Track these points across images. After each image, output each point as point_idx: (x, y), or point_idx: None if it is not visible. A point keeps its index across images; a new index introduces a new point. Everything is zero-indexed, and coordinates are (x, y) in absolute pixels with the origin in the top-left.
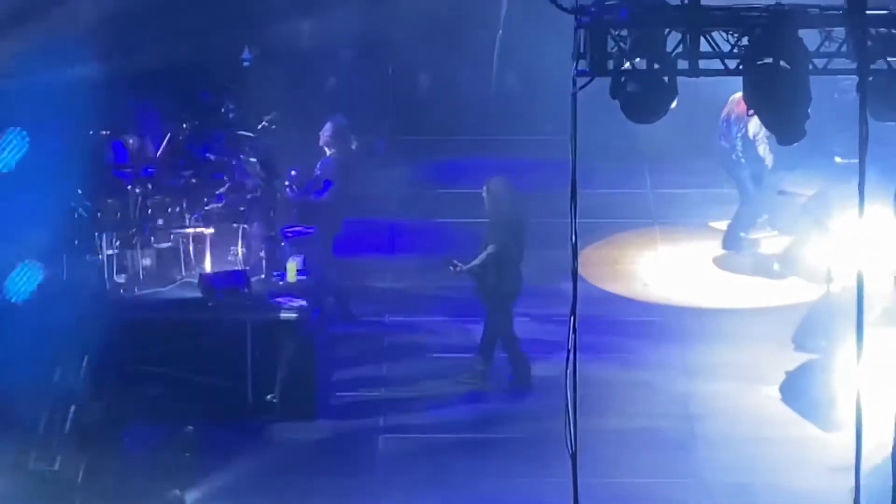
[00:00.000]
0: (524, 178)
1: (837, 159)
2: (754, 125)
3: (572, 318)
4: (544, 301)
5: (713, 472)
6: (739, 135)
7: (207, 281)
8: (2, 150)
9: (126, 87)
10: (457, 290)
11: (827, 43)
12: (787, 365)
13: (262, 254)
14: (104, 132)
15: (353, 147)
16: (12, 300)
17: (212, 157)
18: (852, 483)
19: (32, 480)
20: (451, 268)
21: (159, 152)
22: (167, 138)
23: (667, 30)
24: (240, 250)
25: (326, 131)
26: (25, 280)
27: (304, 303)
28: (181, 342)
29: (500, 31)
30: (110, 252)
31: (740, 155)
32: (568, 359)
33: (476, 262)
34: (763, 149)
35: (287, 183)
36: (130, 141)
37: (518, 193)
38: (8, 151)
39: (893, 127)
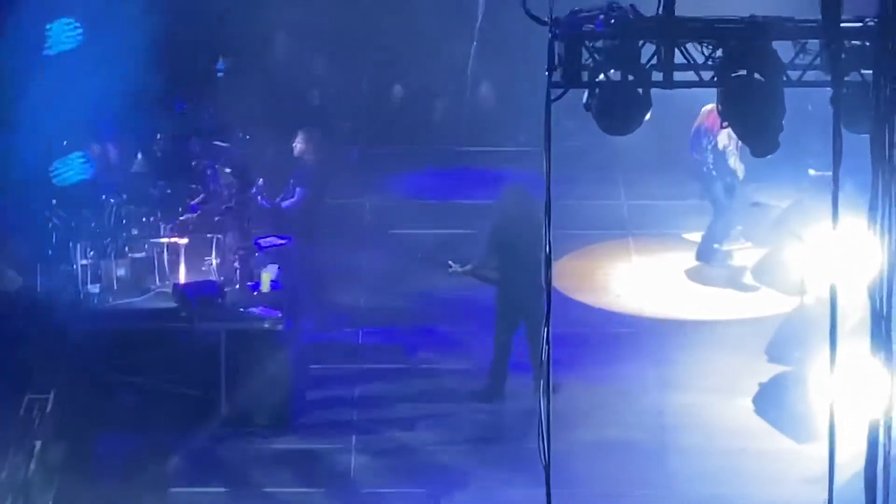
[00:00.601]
0: (498, 189)
1: (811, 171)
2: (724, 137)
3: (545, 329)
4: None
5: (687, 484)
6: (709, 147)
7: (181, 291)
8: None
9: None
10: (432, 301)
11: (801, 55)
12: (761, 376)
13: (237, 264)
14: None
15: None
16: None
17: (186, 167)
18: (826, 495)
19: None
20: (449, 268)
21: (134, 164)
22: (134, 148)
23: (641, 41)
24: (214, 260)
25: (299, 141)
26: None
27: (278, 313)
28: (155, 352)
29: (475, 43)
30: (84, 262)
31: (711, 167)
32: (541, 370)
33: (469, 266)
34: (733, 161)
35: (255, 191)
36: (97, 149)
37: (531, 200)
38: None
39: (867, 139)
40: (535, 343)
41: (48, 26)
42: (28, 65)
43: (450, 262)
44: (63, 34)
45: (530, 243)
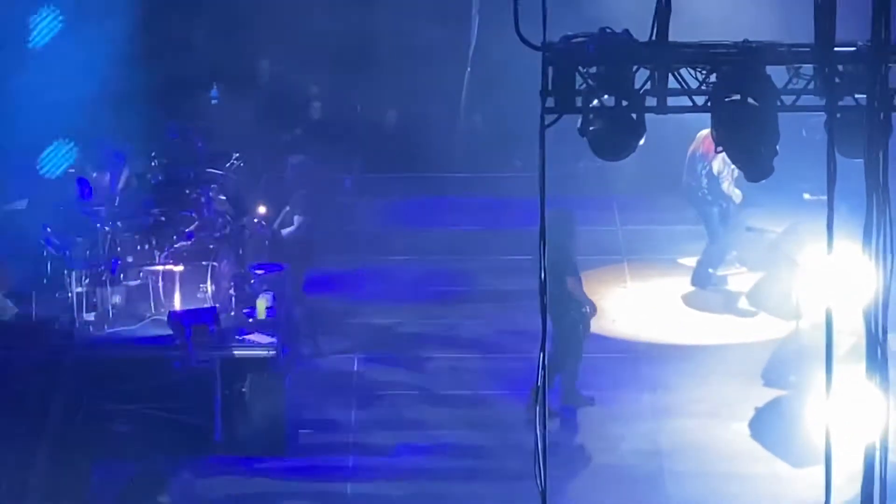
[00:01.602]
0: (492, 215)
1: (806, 196)
2: (718, 163)
3: (542, 354)
4: (514, 339)
5: None
6: (704, 172)
7: (176, 318)
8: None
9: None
10: (428, 327)
11: (795, 80)
12: (757, 401)
13: (232, 291)
14: (71, 169)
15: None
16: None
17: (180, 194)
18: None
19: None
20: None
21: (118, 187)
22: (125, 175)
23: (635, 67)
24: (209, 288)
25: (290, 170)
26: None
27: (273, 340)
28: (150, 379)
29: (469, 69)
30: (79, 289)
31: (706, 192)
32: (536, 395)
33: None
34: (727, 186)
35: (256, 220)
36: (95, 176)
37: (564, 223)
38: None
39: (861, 163)
40: (567, 354)
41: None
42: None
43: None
44: (45, 24)
45: (559, 265)
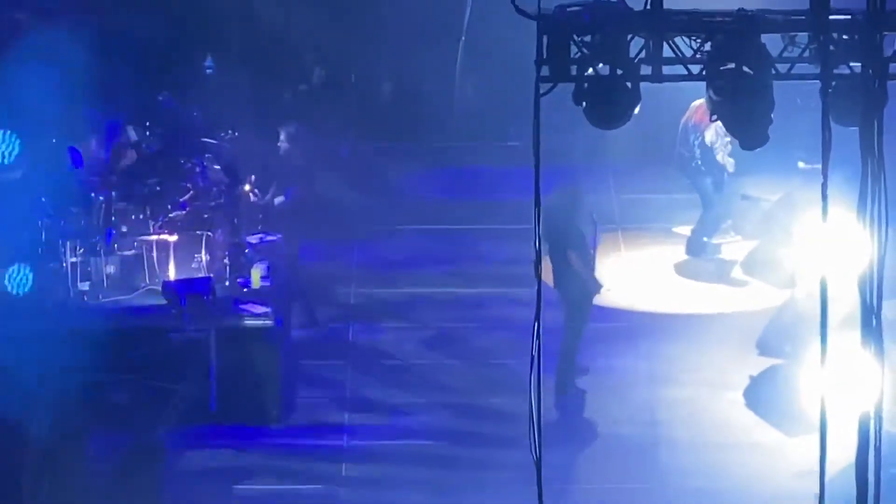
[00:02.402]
0: (487, 183)
1: (801, 164)
2: (711, 133)
3: (536, 323)
4: (513, 307)
5: (678, 478)
6: (697, 143)
7: (171, 288)
8: None
9: (89, 95)
10: (422, 298)
11: (790, 48)
12: (752, 370)
13: (226, 261)
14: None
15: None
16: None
17: (175, 164)
18: (817, 488)
19: None
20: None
21: (111, 157)
22: (121, 145)
23: (630, 35)
24: (203, 257)
25: (284, 140)
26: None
27: (268, 309)
28: (145, 349)
29: (463, 38)
30: (74, 260)
31: (699, 163)
32: (532, 365)
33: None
34: (721, 156)
35: (249, 188)
36: (93, 147)
37: (570, 198)
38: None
39: (856, 132)
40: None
41: None
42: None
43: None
44: None
45: (556, 236)
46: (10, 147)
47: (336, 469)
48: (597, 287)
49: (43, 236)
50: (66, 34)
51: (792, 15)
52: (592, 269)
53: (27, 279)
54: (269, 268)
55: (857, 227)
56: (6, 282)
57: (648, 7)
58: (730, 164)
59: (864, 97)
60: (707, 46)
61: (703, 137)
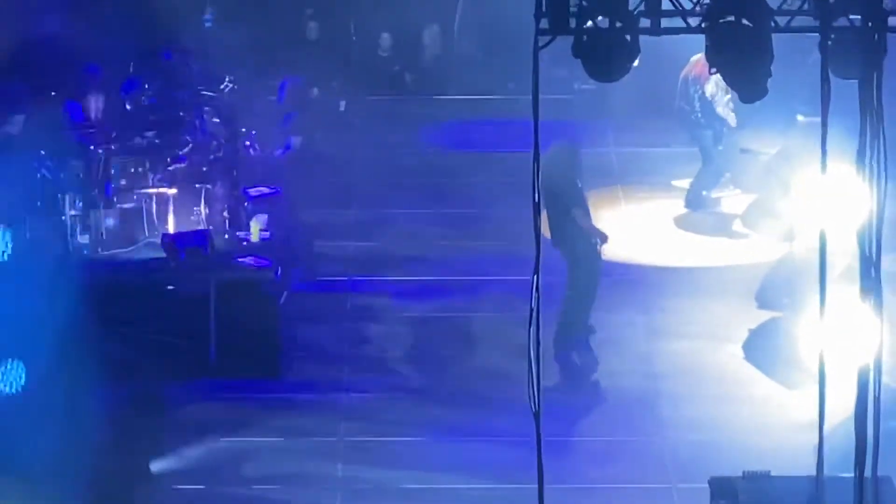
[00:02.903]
0: (486, 138)
1: (800, 117)
2: (711, 86)
3: (535, 277)
4: (508, 263)
5: (676, 431)
6: (697, 95)
7: (170, 241)
8: None
9: (86, 48)
10: (422, 251)
11: (789, 0)
12: (751, 323)
13: (226, 214)
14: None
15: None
16: None
17: (174, 117)
18: (816, 440)
19: None
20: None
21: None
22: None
23: None
24: (203, 210)
25: (284, 91)
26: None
27: (267, 262)
28: (144, 302)
29: None
30: (73, 213)
31: (699, 116)
32: (531, 318)
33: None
34: (721, 110)
35: (248, 143)
36: (93, 101)
37: (567, 156)
38: None
39: (855, 84)
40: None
41: None
42: None
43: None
44: None
45: (556, 197)
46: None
47: (335, 422)
48: (604, 239)
49: (42, 190)
50: None
51: None
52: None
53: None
54: (268, 221)
55: (856, 179)
56: None
57: None
58: (731, 117)
59: (864, 50)
60: None
61: (704, 90)
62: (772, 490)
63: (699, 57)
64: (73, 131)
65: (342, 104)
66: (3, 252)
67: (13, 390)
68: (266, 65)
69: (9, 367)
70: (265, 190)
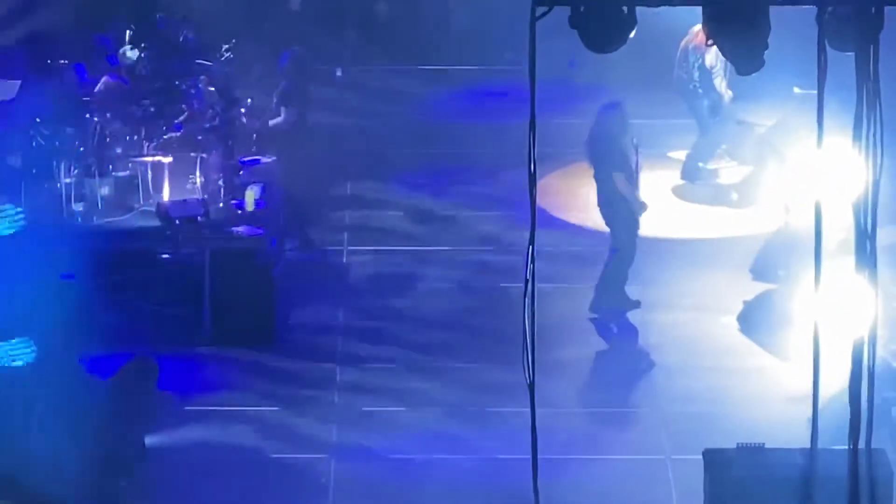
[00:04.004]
0: (483, 107)
1: (796, 89)
2: (711, 56)
3: (530, 247)
4: (509, 230)
5: (670, 402)
6: (696, 65)
7: (165, 209)
8: None
9: (85, 17)
10: (418, 219)
11: None
12: (746, 295)
13: (221, 182)
14: (63, 61)
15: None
16: None
17: (170, 85)
18: (810, 412)
19: None
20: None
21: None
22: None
23: None
24: (198, 179)
25: (283, 61)
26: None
27: (262, 231)
28: (139, 271)
29: None
30: (68, 180)
31: (697, 85)
32: (526, 289)
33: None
34: (719, 81)
35: (243, 111)
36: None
37: (617, 117)
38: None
39: (852, 57)
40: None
41: None
42: None
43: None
44: None
45: (603, 156)
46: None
47: (329, 391)
48: (642, 208)
49: (37, 157)
50: None
51: None
52: (637, 190)
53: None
54: (263, 190)
55: (853, 152)
56: None
57: None
58: (728, 93)
59: (861, 22)
60: None
61: (703, 60)
62: (766, 462)
63: (700, 27)
64: (69, 99)
65: (338, 71)
66: (15, 224)
67: (22, 364)
68: (262, 33)
69: (16, 343)
70: (261, 159)
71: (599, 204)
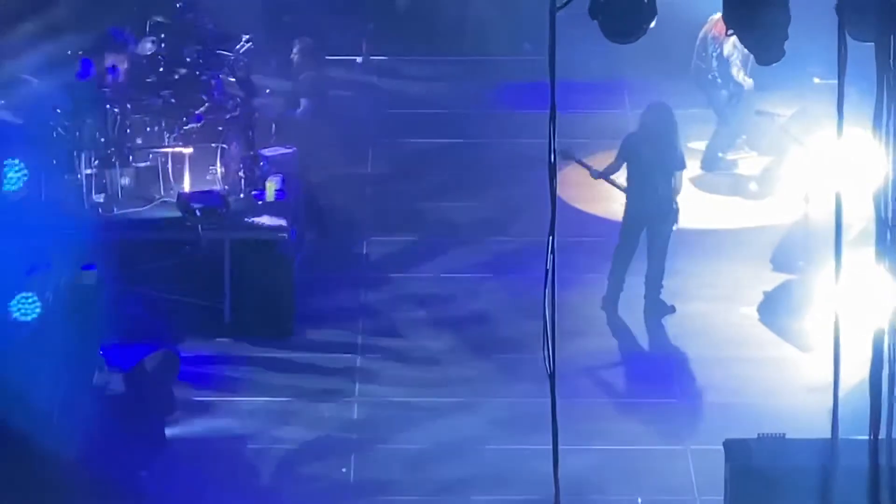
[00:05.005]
0: (503, 98)
1: (816, 80)
2: (729, 46)
3: (551, 238)
4: (524, 224)
5: (692, 393)
6: (715, 54)
7: (186, 200)
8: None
9: (102, 8)
10: (442, 209)
11: None
12: (766, 285)
13: (241, 173)
14: (80, 52)
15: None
16: None
17: (190, 76)
18: (830, 403)
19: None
20: (575, 161)
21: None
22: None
23: None
24: (218, 170)
25: (297, 52)
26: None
27: (282, 222)
28: (159, 261)
29: None
30: (89, 171)
31: (716, 75)
32: (546, 280)
33: (602, 170)
34: (736, 71)
35: (268, 90)
36: (107, 60)
37: (672, 119)
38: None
39: (872, 47)
40: (653, 256)
41: None
42: None
43: (582, 160)
44: None
45: (663, 160)
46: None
47: (348, 382)
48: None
49: (58, 147)
50: None
51: None
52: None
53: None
54: (283, 180)
55: (872, 142)
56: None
57: None
58: (747, 83)
59: (881, 12)
60: None
61: (722, 49)
62: (786, 452)
63: (719, 16)
64: (88, 90)
65: (358, 59)
66: (19, 182)
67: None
68: (282, 23)
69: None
70: (281, 150)
71: (644, 206)
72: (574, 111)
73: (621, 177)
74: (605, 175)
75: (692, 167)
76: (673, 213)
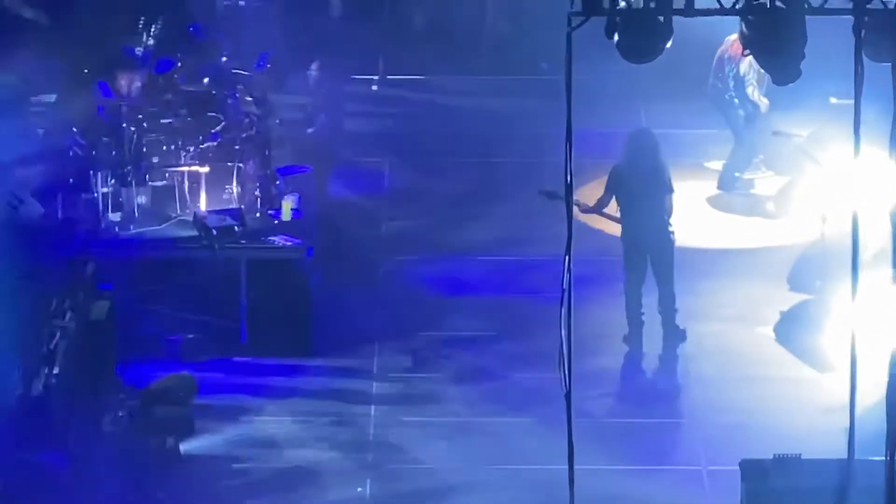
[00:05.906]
0: (518, 118)
1: (833, 100)
2: (745, 65)
3: (567, 257)
4: (538, 243)
5: (707, 412)
6: (731, 74)
7: (202, 219)
8: None
9: (119, 26)
10: (454, 228)
11: None
12: (782, 305)
13: (257, 192)
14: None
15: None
16: None
17: (206, 95)
18: (847, 423)
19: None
20: (576, 205)
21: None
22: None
23: None
24: (235, 189)
25: (315, 69)
26: None
27: (298, 241)
28: (176, 280)
29: None
30: (105, 190)
31: (732, 95)
32: (562, 299)
33: (592, 205)
34: (752, 90)
35: (279, 121)
36: (129, 80)
37: (655, 145)
38: None
39: (888, 67)
40: (660, 282)
41: None
42: None
43: (577, 200)
44: None
45: (652, 187)
46: None
47: (365, 401)
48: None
49: (74, 166)
50: None
51: None
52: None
53: None
54: (299, 199)
55: (889, 162)
56: None
57: None
58: (763, 103)
59: None
60: None
61: (738, 69)
62: (802, 473)
63: (735, 36)
64: (105, 109)
65: (374, 86)
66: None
67: None
68: (298, 43)
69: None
70: (296, 169)
71: (641, 235)
72: (591, 130)
73: (612, 208)
74: (596, 210)
75: (710, 187)
76: (669, 236)
